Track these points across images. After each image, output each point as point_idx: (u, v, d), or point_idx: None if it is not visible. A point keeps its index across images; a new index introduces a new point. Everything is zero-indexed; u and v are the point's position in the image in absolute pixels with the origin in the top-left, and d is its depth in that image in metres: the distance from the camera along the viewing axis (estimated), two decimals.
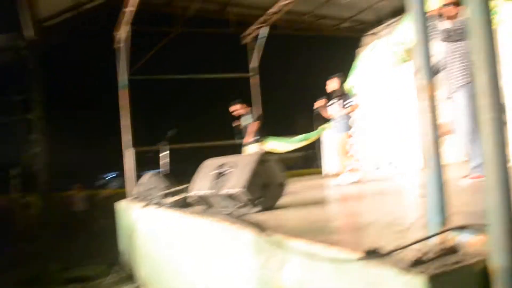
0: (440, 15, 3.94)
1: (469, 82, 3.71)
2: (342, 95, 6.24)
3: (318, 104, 6.45)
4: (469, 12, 1.30)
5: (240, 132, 8.11)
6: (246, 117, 7.96)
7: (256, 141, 7.79)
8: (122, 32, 9.07)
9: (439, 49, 4.03)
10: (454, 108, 3.92)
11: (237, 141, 8.27)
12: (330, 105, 6.36)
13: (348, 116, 6.16)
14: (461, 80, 3.82)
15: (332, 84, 6.31)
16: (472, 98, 3.62)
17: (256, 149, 7.69)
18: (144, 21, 10.15)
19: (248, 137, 7.75)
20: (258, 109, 8.15)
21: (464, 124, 3.76)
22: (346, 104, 6.13)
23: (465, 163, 3.98)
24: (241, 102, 8.05)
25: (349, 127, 6.18)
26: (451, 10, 3.90)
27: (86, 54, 19.07)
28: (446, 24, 3.94)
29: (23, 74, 11.17)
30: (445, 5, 3.93)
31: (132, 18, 8.31)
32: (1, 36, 11.05)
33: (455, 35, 3.80)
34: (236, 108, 8.01)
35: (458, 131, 3.90)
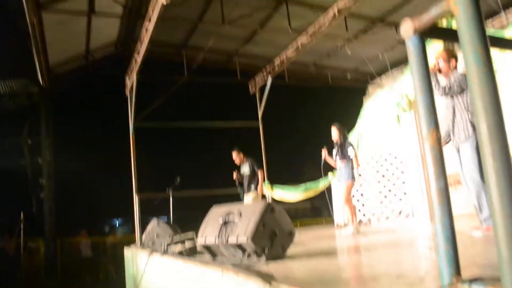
0: (439, 71, 4.07)
1: (473, 135, 3.79)
2: (343, 143, 6.28)
3: (324, 153, 6.49)
4: (465, 62, 1.33)
5: (240, 184, 8.13)
6: (243, 166, 8.00)
7: (255, 189, 7.79)
8: (131, 80, 9.31)
9: (440, 103, 4.13)
10: (461, 160, 3.96)
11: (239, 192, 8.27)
12: (335, 153, 6.40)
13: (350, 164, 6.17)
14: (465, 132, 3.88)
15: (333, 133, 6.37)
16: (478, 151, 3.64)
17: (255, 198, 7.69)
18: (155, 69, 10.47)
19: (260, 189, 7.80)
20: (253, 159, 8.16)
21: (472, 175, 3.78)
22: (348, 152, 6.18)
23: (475, 214, 3.94)
24: (238, 150, 8.12)
25: (352, 176, 6.16)
26: (444, 66, 4.05)
27: (97, 100, 19.45)
28: (443, 79, 4.06)
29: (34, 118, 11.40)
30: (438, 62, 4.08)
31: (141, 67, 8.55)
32: (14, 81, 11.39)
33: (452, 90, 3.90)
34: (233, 156, 8.11)
35: (467, 182, 3.91)
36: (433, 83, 3.89)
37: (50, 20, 7.93)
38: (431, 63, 4.08)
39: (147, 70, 9.76)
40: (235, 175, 8.11)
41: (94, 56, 10.58)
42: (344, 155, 6.18)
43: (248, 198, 7.85)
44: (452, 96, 3.96)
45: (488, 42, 1.28)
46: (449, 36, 1.62)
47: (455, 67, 4.04)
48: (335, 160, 6.38)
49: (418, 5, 8.10)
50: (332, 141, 6.55)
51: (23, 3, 6.72)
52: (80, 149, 20.38)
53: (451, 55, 4.06)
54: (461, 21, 1.29)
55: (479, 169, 3.68)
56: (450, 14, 1.44)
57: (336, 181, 6.47)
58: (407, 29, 1.56)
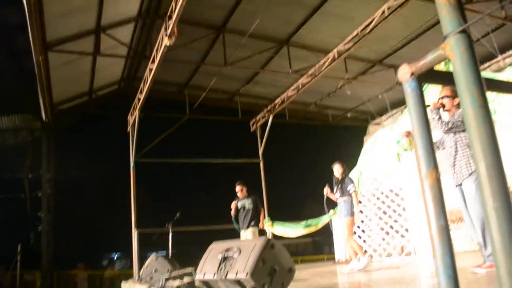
0: (443, 106, 4.08)
1: (475, 172, 3.78)
2: (344, 180, 6.35)
3: (326, 190, 6.54)
4: (462, 105, 1.38)
5: (235, 219, 7.97)
6: (245, 201, 7.87)
7: (255, 226, 7.66)
8: (133, 117, 9.44)
9: (441, 139, 4.18)
10: (464, 196, 3.95)
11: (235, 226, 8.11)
12: (336, 190, 6.43)
13: (350, 200, 6.22)
14: (468, 168, 3.88)
15: (336, 170, 6.44)
16: (479, 187, 3.67)
17: (254, 234, 7.54)
18: (157, 106, 10.63)
19: (262, 224, 7.67)
20: (257, 195, 8.06)
21: (477, 212, 3.77)
22: (348, 189, 6.24)
23: (477, 250, 3.92)
24: (243, 184, 7.99)
25: (352, 212, 6.19)
26: (448, 102, 4.05)
27: (99, 136, 19.61)
28: (446, 116, 4.09)
29: (36, 153, 11.47)
30: (442, 97, 4.10)
31: (143, 105, 8.70)
32: (17, 117, 11.54)
33: (455, 127, 3.91)
34: (237, 189, 7.93)
35: (470, 219, 3.91)
36: (436, 118, 3.95)
37: (56, 59, 8.14)
38: (436, 99, 4.16)
39: (149, 107, 9.96)
40: (233, 210, 7.90)
41: (97, 94, 10.77)
42: (344, 191, 6.24)
43: (247, 234, 7.68)
44: (454, 133, 3.98)
45: (484, 85, 1.34)
46: (446, 80, 1.69)
47: (458, 104, 3.99)
48: (336, 197, 6.41)
49: (416, 48, 8.33)
50: (332, 178, 6.61)
51: (30, 43, 6.88)
52: (80, 183, 20.38)
53: (455, 92, 3.97)
54: (457, 66, 1.36)
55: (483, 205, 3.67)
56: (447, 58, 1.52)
57: (337, 218, 6.46)
58: (405, 73, 1.63)
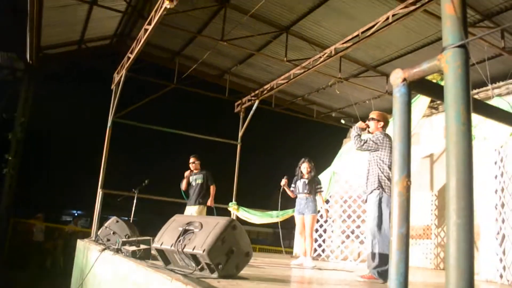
0: (368, 127, 4.57)
1: (377, 189, 4.23)
2: (313, 179, 6.45)
3: (284, 181, 6.63)
4: (446, 119, 1.38)
5: (185, 193, 7.82)
6: (197, 175, 7.70)
7: (202, 204, 7.54)
8: (120, 75, 9.28)
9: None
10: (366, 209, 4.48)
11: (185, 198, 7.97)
12: (299, 184, 6.49)
13: (316, 199, 6.35)
14: (373, 185, 4.29)
15: (304, 167, 6.51)
16: (379, 204, 4.21)
17: (200, 212, 7.43)
18: (145, 69, 10.45)
19: (211, 202, 7.51)
20: (211, 172, 7.86)
21: (370, 226, 4.21)
22: (317, 188, 6.34)
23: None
24: (198, 157, 7.85)
25: (317, 210, 6.33)
26: (373, 125, 4.54)
27: (81, 89, 19.18)
28: (369, 136, 4.53)
29: (14, 94, 11.18)
30: (369, 119, 4.59)
31: (131, 65, 8.54)
32: (1, 54, 11.19)
33: (367, 146, 4.36)
34: (191, 161, 7.73)
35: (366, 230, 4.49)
36: (356, 136, 4.46)
37: (52, 1, 7.89)
38: (364, 122, 4.65)
39: (137, 69, 9.78)
40: (185, 183, 7.72)
41: (87, 45, 10.52)
42: (312, 189, 6.34)
43: (192, 210, 7.53)
44: (370, 152, 4.42)
45: (471, 104, 1.34)
46: (435, 92, 1.69)
47: (382, 128, 4.53)
48: (297, 192, 6.48)
49: (411, 61, 8.38)
50: (294, 172, 6.68)
51: None
52: (53, 133, 19.99)
53: (382, 118, 4.58)
54: (449, 79, 1.36)
55: (377, 221, 4.14)
56: (439, 76, 1.51)
57: (296, 213, 6.54)
58: (397, 77, 1.62)
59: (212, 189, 7.56)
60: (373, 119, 4.58)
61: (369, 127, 4.59)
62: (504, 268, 5.83)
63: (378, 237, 4.09)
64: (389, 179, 4.18)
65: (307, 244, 6.34)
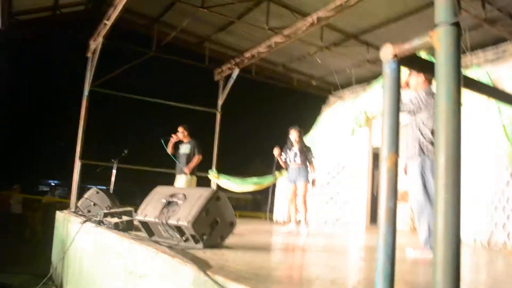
0: (407, 85, 4.04)
1: (419, 155, 3.80)
2: (304, 148, 6.49)
3: (276, 152, 6.65)
4: (437, 97, 1.39)
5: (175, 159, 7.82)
6: (185, 145, 7.75)
7: (192, 174, 7.60)
8: (96, 43, 9.01)
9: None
10: (408, 178, 3.97)
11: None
12: (293, 155, 6.53)
13: (308, 168, 6.39)
14: (415, 152, 3.86)
15: (293, 135, 6.53)
16: (423, 172, 3.75)
17: (188, 182, 7.48)
18: (122, 37, 10.15)
19: (188, 169, 7.50)
20: (199, 143, 7.83)
21: (416, 196, 3.79)
22: (309, 157, 6.38)
23: (413, 231, 4.11)
24: (186, 127, 7.83)
25: (309, 179, 6.38)
26: (414, 79, 3.99)
27: (55, 56, 18.58)
28: (410, 94, 4.00)
29: None
30: (409, 75, 4.03)
31: (108, 32, 8.28)
32: None
33: (415, 108, 3.85)
34: (179, 131, 7.73)
35: (411, 201, 4.00)
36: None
37: None
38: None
39: (114, 36, 9.48)
40: (170, 146, 7.70)
41: (61, 10, 10.10)
42: (303, 158, 6.37)
43: (181, 180, 7.57)
44: (413, 114, 3.92)
45: (461, 81, 1.35)
46: (425, 68, 1.70)
47: (426, 83, 3.95)
48: (289, 161, 6.53)
49: (394, 31, 8.36)
50: (285, 142, 6.70)
51: None
52: (27, 103, 19.47)
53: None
54: (441, 57, 1.35)
55: (423, 191, 3.71)
56: (428, 50, 1.51)
57: (288, 181, 6.61)
58: (387, 53, 1.62)
59: (196, 158, 7.56)
60: (412, 73, 4.00)
61: (409, 86, 4.05)
62: (477, 231, 6.09)
63: (428, 209, 3.65)
64: (432, 144, 3.71)
65: (301, 212, 6.45)
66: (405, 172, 4.03)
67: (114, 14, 7.57)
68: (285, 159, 6.61)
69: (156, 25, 10.43)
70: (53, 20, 10.37)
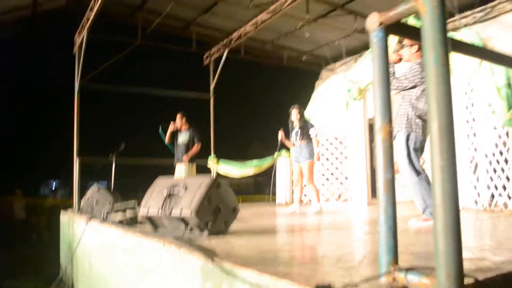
0: (400, 59, 3.92)
1: (408, 129, 3.75)
2: (304, 124, 6.47)
3: (281, 134, 6.65)
4: (425, 62, 1.36)
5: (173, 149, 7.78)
6: (184, 134, 7.69)
7: (191, 161, 7.59)
8: (81, 37, 8.87)
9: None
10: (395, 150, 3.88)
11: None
12: (295, 134, 6.52)
13: (311, 144, 6.37)
14: (399, 125, 3.82)
15: (293, 114, 6.50)
16: (408, 143, 3.71)
17: (189, 170, 7.48)
18: (107, 28, 10.00)
19: (187, 157, 7.49)
20: (198, 131, 7.80)
21: (402, 168, 3.76)
22: (310, 133, 6.40)
23: (411, 202, 4.11)
24: (183, 115, 7.79)
25: (313, 155, 6.36)
26: (407, 51, 3.86)
27: (40, 55, 18.35)
28: (404, 68, 3.87)
29: None
30: (402, 47, 3.91)
31: (92, 25, 8.14)
32: None
33: (411, 84, 3.74)
34: (177, 119, 7.66)
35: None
36: (392, 77, 3.72)
37: None
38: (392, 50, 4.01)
39: (98, 28, 9.33)
40: (168, 135, 7.66)
41: (42, 7, 9.92)
42: (304, 135, 6.35)
43: (181, 168, 7.59)
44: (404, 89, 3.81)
45: (448, 45, 1.32)
46: (412, 34, 1.66)
47: (418, 53, 3.79)
48: (294, 141, 6.52)
49: None
50: (284, 122, 6.69)
51: None
52: (20, 106, 19.32)
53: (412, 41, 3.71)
54: (427, 21, 1.32)
55: (408, 162, 3.68)
56: (414, 15, 1.47)
57: (293, 162, 6.61)
58: (373, 22, 1.58)
59: (196, 146, 7.54)
60: (404, 45, 3.83)
61: (402, 58, 3.88)
62: (478, 194, 6.12)
63: (415, 179, 3.61)
64: (421, 119, 3.68)
65: (311, 191, 6.46)
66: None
67: (96, 4, 7.43)
68: (292, 140, 6.62)
69: (140, 12, 10.26)
70: (35, 19, 10.20)
